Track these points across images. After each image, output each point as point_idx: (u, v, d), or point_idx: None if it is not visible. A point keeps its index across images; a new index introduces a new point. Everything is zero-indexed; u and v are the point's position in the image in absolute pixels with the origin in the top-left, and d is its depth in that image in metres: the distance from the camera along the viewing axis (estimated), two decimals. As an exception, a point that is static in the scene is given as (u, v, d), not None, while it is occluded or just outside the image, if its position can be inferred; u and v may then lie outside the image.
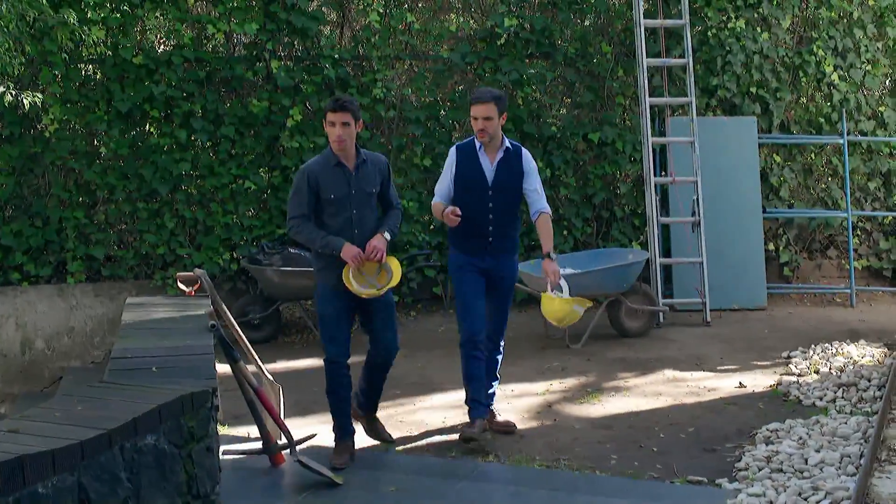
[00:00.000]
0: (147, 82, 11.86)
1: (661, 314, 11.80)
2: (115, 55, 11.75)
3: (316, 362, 10.03)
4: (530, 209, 7.80)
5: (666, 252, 12.61)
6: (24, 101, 8.41)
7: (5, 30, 8.16)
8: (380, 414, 7.91)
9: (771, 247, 13.58)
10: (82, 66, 12.12)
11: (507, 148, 7.71)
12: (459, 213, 7.45)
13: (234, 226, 12.21)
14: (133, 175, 11.92)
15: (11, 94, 8.40)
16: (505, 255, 7.84)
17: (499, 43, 12.89)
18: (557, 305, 8.13)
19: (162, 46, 12.51)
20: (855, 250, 13.77)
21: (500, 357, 8.14)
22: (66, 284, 11.79)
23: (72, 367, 11.47)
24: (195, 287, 7.96)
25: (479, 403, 7.78)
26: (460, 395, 8.21)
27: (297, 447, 7.14)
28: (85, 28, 9.99)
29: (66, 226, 11.83)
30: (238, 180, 12.19)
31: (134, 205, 11.97)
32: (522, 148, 7.85)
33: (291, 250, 11.15)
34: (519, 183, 7.74)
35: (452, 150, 7.83)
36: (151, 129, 12.22)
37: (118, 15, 11.76)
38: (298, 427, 7.77)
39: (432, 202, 7.83)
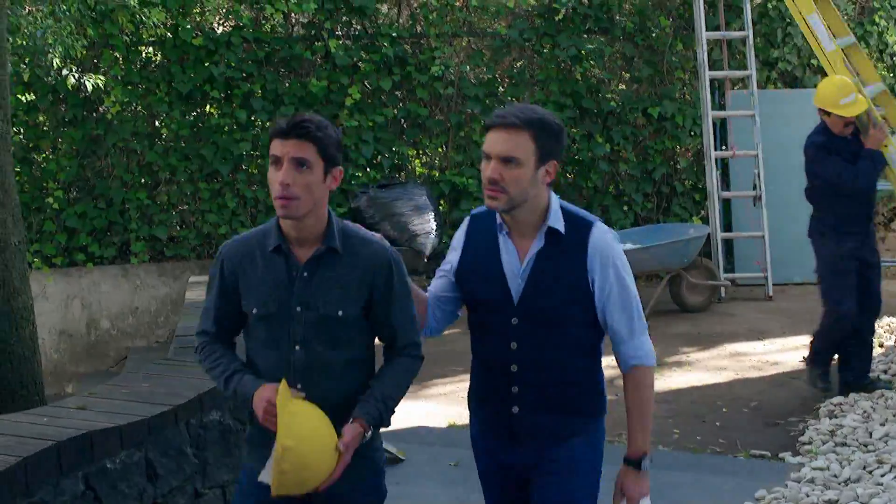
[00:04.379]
0: (207, 63, 11.96)
1: (722, 289, 11.74)
2: (175, 37, 11.85)
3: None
4: (616, 355, 4.03)
5: (727, 226, 12.52)
6: (87, 83, 8.50)
7: (67, 13, 8.25)
8: (441, 390, 7.95)
9: (834, 220, 13.44)
10: (143, 48, 12.21)
11: (551, 230, 3.92)
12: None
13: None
14: (194, 156, 12.01)
15: (74, 76, 8.50)
16: (550, 441, 4.01)
17: (557, 18, 12.79)
18: None
19: (221, 27, 12.59)
20: (920, 223, 13.63)
21: None
22: (129, 265, 11.93)
23: (136, 347, 11.63)
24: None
25: None
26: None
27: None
28: (145, 10, 10.04)
29: (129, 207, 11.95)
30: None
31: (195, 185, 12.07)
32: (595, 222, 4.00)
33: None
34: (577, 301, 3.94)
35: (466, 220, 4.21)
36: (212, 110, 12.29)
37: (177, -3, 11.86)
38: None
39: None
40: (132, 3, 9.16)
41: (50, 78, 9.83)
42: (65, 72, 8.69)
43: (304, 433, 3.60)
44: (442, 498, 6.58)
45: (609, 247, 3.94)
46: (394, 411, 3.95)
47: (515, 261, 3.94)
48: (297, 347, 3.85)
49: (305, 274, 3.83)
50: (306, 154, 3.71)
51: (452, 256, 4.13)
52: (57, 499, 4.46)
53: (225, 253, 4.01)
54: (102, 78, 9.19)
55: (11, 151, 6.01)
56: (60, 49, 8.20)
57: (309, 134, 3.72)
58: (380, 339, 4.02)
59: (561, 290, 3.92)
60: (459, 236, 4.14)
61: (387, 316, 3.91)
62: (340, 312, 3.83)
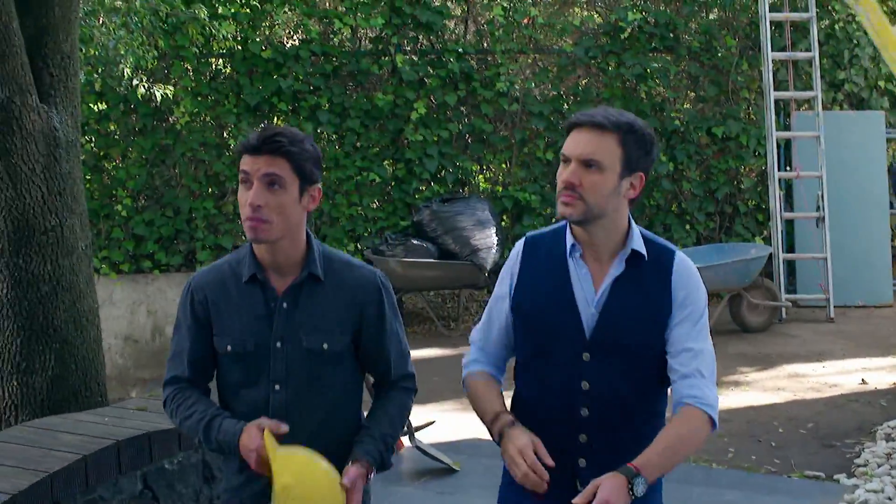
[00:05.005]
0: (275, 76, 12.16)
1: (783, 310, 11.70)
2: (245, 49, 12.06)
3: (438, 352, 10.21)
4: (673, 388, 3.43)
5: (790, 247, 12.47)
6: (157, 93, 8.68)
7: (139, 24, 8.43)
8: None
9: (897, 243, 13.39)
10: (212, 60, 12.44)
11: (634, 253, 3.43)
12: (544, 473, 3.24)
13: (359, 217, 12.43)
14: (261, 167, 12.17)
15: (145, 86, 8.69)
16: None
17: (622, 37, 12.88)
18: None
19: (290, 41, 12.78)
20: None
21: None
22: (195, 273, 12.08)
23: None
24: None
25: None
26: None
27: (417, 433, 7.23)
28: (215, 23, 10.24)
29: (196, 216, 12.18)
30: (363, 172, 12.39)
31: (261, 196, 12.23)
32: (676, 250, 3.54)
33: (414, 241, 11.28)
34: (658, 333, 3.42)
35: (519, 244, 3.63)
36: (279, 122, 12.45)
37: (248, 10, 12.05)
38: (418, 414, 7.87)
39: (465, 367, 3.62)
40: (202, 15, 9.34)
41: (121, 88, 10.02)
42: (135, 82, 8.86)
43: (300, 469, 3.28)
44: (496, 508, 6.64)
45: (694, 277, 3.47)
46: (393, 452, 3.56)
47: (589, 287, 3.40)
48: (278, 387, 3.43)
49: (285, 305, 3.42)
50: (279, 171, 3.29)
51: (502, 288, 3.56)
52: (116, 496, 4.58)
53: (194, 284, 3.52)
54: (172, 88, 9.36)
55: (82, 159, 6.16)
56: (132, 59, 8.39)
57: (281, 149, 3.30)
58: (370, 373, 3.67)
59: (642, 320, 3.39)
60: (512, 263, 3.58)
61: (378, 348, 3.56)
62: (325, 346, 3.44)
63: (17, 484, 4.13)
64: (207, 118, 12.42)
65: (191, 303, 3.48)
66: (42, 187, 5.72)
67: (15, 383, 5.77)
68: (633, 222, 3.46)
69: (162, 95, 8.99)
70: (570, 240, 3.41)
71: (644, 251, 3.41)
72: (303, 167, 3.32)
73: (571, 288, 3.40)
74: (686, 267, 3.46)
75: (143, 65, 9.34)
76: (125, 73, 8.54)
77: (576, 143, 3.34)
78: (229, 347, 3.42)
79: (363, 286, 3.49)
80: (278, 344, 3.40)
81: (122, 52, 8.31)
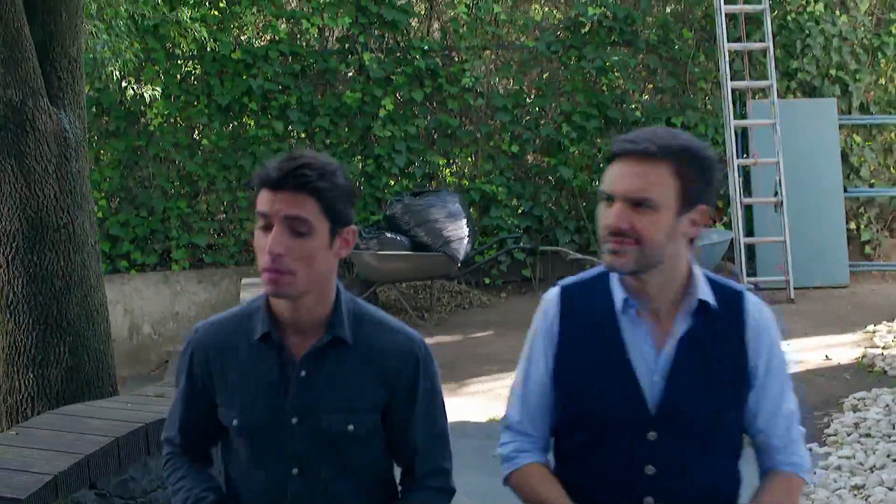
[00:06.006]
0: (245, 76, 12.38)
1: (745, 292, 12.02)
2: (214, 51, 12.27)
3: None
4: (763, 453, 2.98)
5: (749, 232, 12.82)
6: (145, 94, 8.92)
7: (123, 28, 8.65)
8: (479, 388, 8.23)
9: (852, 225, 13.71)
10: (182, 62, 12.63)
11: (701, 305, 2.87)
12: None
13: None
14: (233, 166, 12.42)
15: (133, 88, 8.92)
16: None
17: (582, 31, 13.20)
18: None
19: (258, 42, 13.03)
20: (936, 228, 13.94)
21: None
22: (170, 271, 12.33)
23: (177, 351, 11.96)
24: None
25: None
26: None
27: None
28: (196, 25, 10.48)
29: (170, 215, 12.39)
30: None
31: (234, 194, 12.48)
32: (743, 290, 3.01)
33: (388, 234, 11.53)
34: (736, 400, 2.90)
35: (553, 299, 3.01)
36: (250, 122, 12.72)
37: (216, 12, 12.27)
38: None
39: (508, 459, 3.03)
40: (185, 17, 9.56)
41: (110, 89, 10.23)
42: (124, 84, 9.09)
43: None
44: (487, 485, 6.86)
45: (771, 325, 2.93)
46: None
47: (650, 350, 2.81)
48: (296, 471, 2.86)
49: (303, 373, 2.84)
50: (305, 212, 2.70)
51: (536, 356, 2.99)
52: (145, 476, 4.83)
53: (196, 340, 2.97)
54: (159, 89, 9.59)
55: (87, 158, 6.42)
56: (120, 62, 8.61)
57: (309, 185, 2.69)
58: (395, 460, 3.02)
59: (718, 384, 2.82)
60: (548, 324, 2.95)
61: (406, 429, 2.92)
62: (351, 427, 2.84)
63: (56, 466, 4.36)
64: (179, 119, 12.61)
65: (189, 363, 2.96)
66: (55, 186, 5.98)
67: (31, 375, 6.02)
68: (694, 266, 2.89)
69: (149, 96, 9.21)
70: (620, 292, 2.85)
71: (712, 300, 2.84)
72: (334, 206, 2.75)
73: (627, 352, 2.82)
74: (760, 310, 2.92)
75: (130, 67, 9.54)
76: (114, 76, 8.77)
77: (620, 178, 2.74)
78: (235, 421, 2.87)
79: (397, 354, 2.89)
80: (294, 420, 2.83)
81: (108, 55, 8.53)
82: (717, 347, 2.83)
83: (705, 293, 2.84)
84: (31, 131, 5.85)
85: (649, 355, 2.81)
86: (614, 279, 2.87)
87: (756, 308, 2.91)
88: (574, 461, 2.93)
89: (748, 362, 2.86)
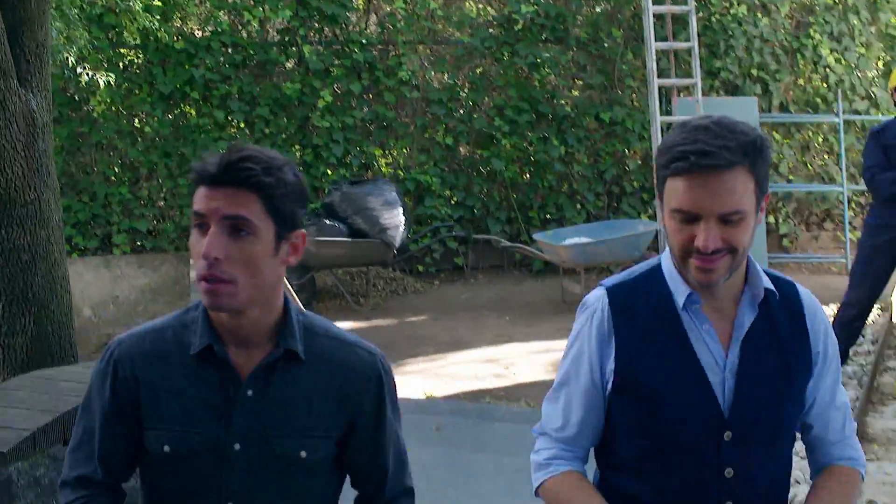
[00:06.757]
0: (187, 66, 12.67)
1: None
2: (157, 41, 12.52)
3: (351, 324, 10.81)
4: (817, 449, 2.88)
5: (673, 224, 13.24)
6: (100, 79, 9.17)
7: (74, 16, 8.90)
8: (416, 368, 8.58)
9: (771, 219, 14.19)
10: (124, 51, 12.88)
11: (767, 294, 2.68)
12: None
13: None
14: (174, 153, 12.70)
15: (88, 74, 9.17)
16: None
17: (516, 28, 13.61)
18: None
19: (201, 33, 13.32)
20: (850, 223, 14.34)
21: None
22: (111, 256, 12.57)
23: (117, 334, 12.20)
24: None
25: None
26: (487, 351, 8.98)
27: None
28: (148, 14, 10.72)
29: (112, 201, 12.65)
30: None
31: (175, 181, 12.75)
32: (794, 282, 2.82)
33: (326, 221, 11.82)
34: (800, 394, 2.74)
35: (599, 300, 2.76)
36: (191, 111, 13.00)
37: (159, 3, 12.52)
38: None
39: (541, 467, 2.81)
40: (137, 7, 9.81)
41: (65, 75, 10.43)
42: (79, 70, 9.35)
43: None
44: (428, 457, 7.30)
45: (822, 310, 2.79)
46: None
47: (717, 347, 2.62)
48: None
49: (250, 392, 2.48)
50: (247, 211, 2.36)
51: (581, 360, 2.74)
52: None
53: (119, 354, 2.55)
54: (112, 75, 9.84)
55: (52, 138, 6.72)
56: (75, 49, 8.86)
57: (251, 180, 2.35)
58: (357, 487, 2.74)
59: (785, 379, 2.67)
60: (596, 326, 2.71)
61: (372, 457, 2.65)
62: (303, 453, 2.52)
63: (34, 423, 4.64)
64: (121, 108, 12.84)
65: (112, 379, 2.53)
66: (23, 164, 6.27)
67: (-2, 345, 6.33)
68: (750, 258, 2.67)
69: (104, 82, 9.45)
70: (682, 288, 2.63)
71: (774, 288, 2.68)
72: (280, 206, 2.40)
73: (694, 351, 2.62)
74: (813, 301, 2.78)
75: (84, 54, 9.78)
76: (69, 62, 9.00)
77: (704, 195, 2.45)
78: (167, 447, 2.47)
79: (359, 371, 2.58)
80: (237, 446, 2.47)
81: (63, 42, 8.78)
82: (783, 338, 2.67)
83: (767, 282, 2.66)
84: (2, 111, 6.13)
85: (717, 353, 2.62)
86: (669, 274, 2.66)
87: (807, 294, 2.76)
88: (635, 470, 2.69)
89: (810, 354, 2.70)
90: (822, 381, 2.73)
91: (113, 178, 12.72)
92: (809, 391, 2.72)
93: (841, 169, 13.86)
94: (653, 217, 13.32)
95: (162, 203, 13.00)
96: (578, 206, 13.78)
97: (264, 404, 2.48)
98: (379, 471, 2.67)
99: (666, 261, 2.68)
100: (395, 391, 2.68)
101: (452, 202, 13.48)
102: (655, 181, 2.57)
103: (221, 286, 2.35)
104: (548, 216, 13.43)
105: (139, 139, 12.84)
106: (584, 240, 11.39)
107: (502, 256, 13.41)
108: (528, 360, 9.41)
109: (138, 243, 12.85)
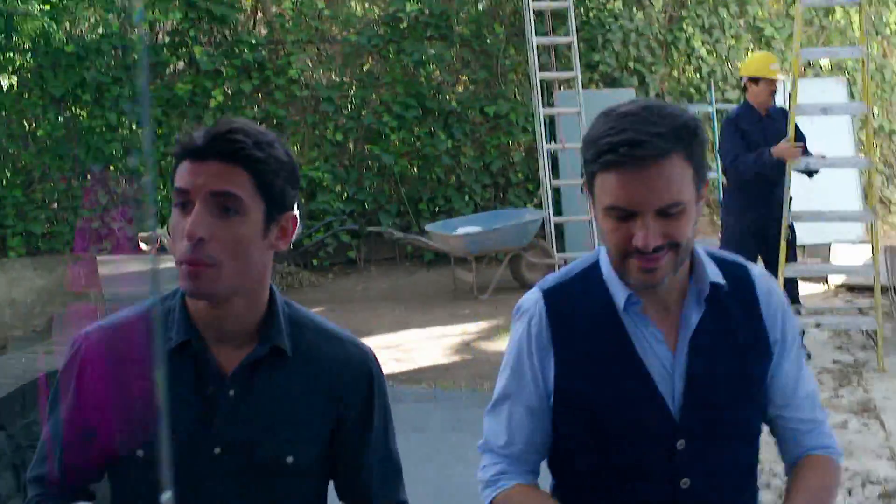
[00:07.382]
0: (78, 69, 12.77)
1: (556, 266, 12.74)
2: (48, 44, 12.62)
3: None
4: (788, 440, 2.61)
5: (558, 211, 13.50)
6: (3, 82, 9.29)
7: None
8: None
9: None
10: (13, 54, 12.90)
11: (713, 288, 2.40)
12: None
13: (164, 199, 13.11)
14: (67, 155, 12.81)
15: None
16: None
17: (401, 26, 13.96)
18: None
19: (91, 36, 13.41)
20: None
21: None
22: (6, 259, 12.63)
23: (14, 336, 12.25)
24: (156, 245, 8.77)
25: None
26: (387, 338, 9.32)
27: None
28: (47, 19, 10.83)
29: (6, 204, 12.71)
30: (166, 157, 13.10)
31: (69, 183, 12.85)
32: (747, 264, 2.55)
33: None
34: (757, 391, 2.50)
35: (535, 304, 2.48)
36: (83, 113, 13.10)
37: (48, 6, 12.62)
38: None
39: (489, 485, 2.53)
40: (35, 10, 9.90)
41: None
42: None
43: None
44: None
45: (778, 291, 2.56)
46: None
47: (663, 349, 2.40)
48: None
49: (232, 392, 2.24)
50: (235, 187, 2.12)
51: (521, 372, 2.49)
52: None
53: (87, 347, 2.27)
54: (15, 77, 9.94)
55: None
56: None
57: (241, 153, 2.12)
58: (342, 497, 2.46)
59: (740, 374, 2.45)
60: (535, 330, 2.46)
61: (356, 463, 2.38)
62: (290, 458, 2.27)
63: (-28, 409, 4.89)
64: (12, 111, 12.89)
65: (78, 374, 2.26)
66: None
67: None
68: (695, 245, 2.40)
69: (7, 86, 9.56)
70: (620, 289, 2.39)
71: (722, 280, 2.44)
72: (271, 184, 2.17)
73: (639, 356, 2.39)
74: (767, 282, 2.54)
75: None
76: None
77: (639, 189, 2.21)
78: (140, 452, 2.20)
79: (349, 368, 2.35)
80: (217, 450, 2.23)
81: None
82: (736, 330, 2.44)
83: (714, 274, 2.41)
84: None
85: (663, 356, 2.38)
86: (606, 274, 2.43)
87: (761, 277, 2.52)
88: (588, 485, 2.49)
89: (768, 337, 2.48)
90: (783, 369, 2.50)
91: (6, 181, 12.76)
92: (770, 382, 2.50)
93: (715, 156, 14.37)
94: (538, 207, 13.71)
95: (56, 205, 13.06)
96: (466, 197, 14.15)
97: (248, 405, 2.23)
98: (361, 481, 2.39)
99: (604, 259, 2.45)
100: (387, 394, 2.41)
101: (344, 197, 13.77)
102: (584, 177, 2.36)
103: (204, 269, 2.09)
104: (437, 208, 13.80)
105: (31, 142, 12.91)
106: (474, 229, 11.78)
107: (394, 249, 13.73)
108: (427, 344, 9.74)
109: (33, 246, 12.90)
